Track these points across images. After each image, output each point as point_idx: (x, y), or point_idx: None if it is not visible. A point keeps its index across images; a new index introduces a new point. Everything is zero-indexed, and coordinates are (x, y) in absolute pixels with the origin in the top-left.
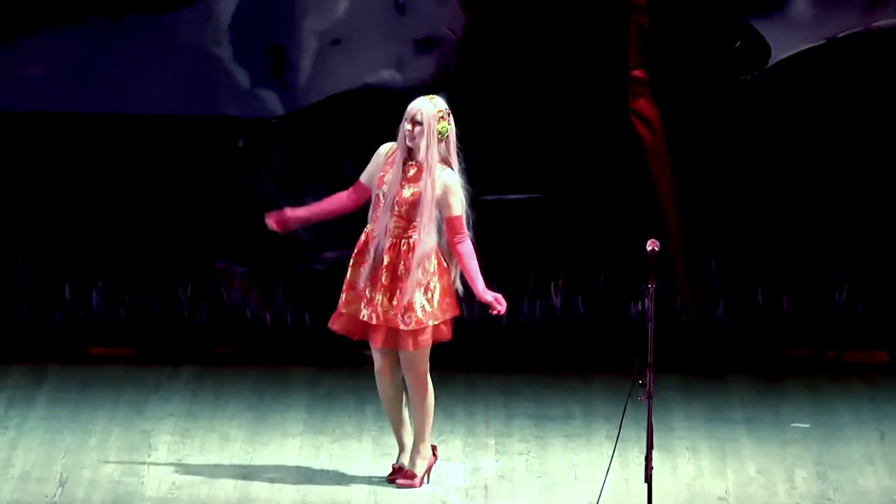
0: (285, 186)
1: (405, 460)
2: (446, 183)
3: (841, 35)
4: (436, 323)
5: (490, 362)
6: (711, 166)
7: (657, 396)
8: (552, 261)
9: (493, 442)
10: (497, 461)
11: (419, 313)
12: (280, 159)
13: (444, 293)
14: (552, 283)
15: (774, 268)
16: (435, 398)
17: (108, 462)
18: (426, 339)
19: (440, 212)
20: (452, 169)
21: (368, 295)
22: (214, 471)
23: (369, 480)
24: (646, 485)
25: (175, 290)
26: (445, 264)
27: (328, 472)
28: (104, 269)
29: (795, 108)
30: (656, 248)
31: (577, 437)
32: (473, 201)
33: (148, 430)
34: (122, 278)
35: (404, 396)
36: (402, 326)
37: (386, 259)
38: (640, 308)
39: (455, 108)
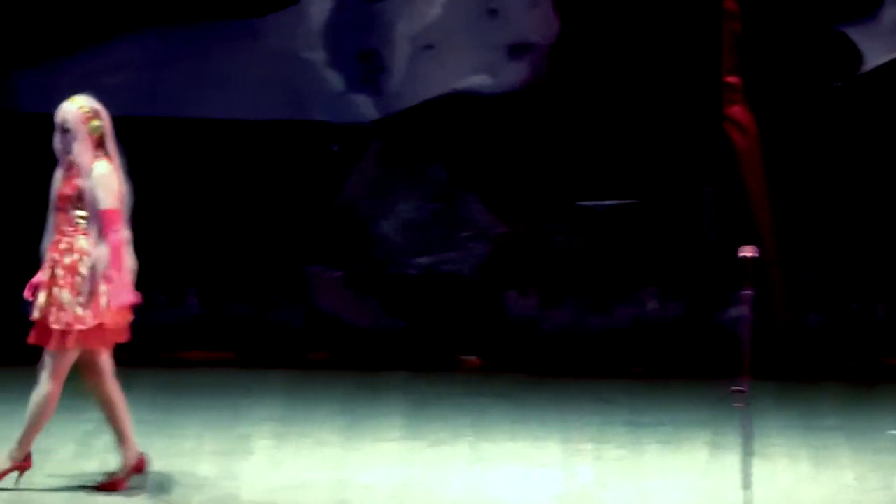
0: (378, 191)
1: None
2: (97, 175)
3: None
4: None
5: (584, 368)
6: (805, 172)
7: (753, 403)
8: (645, 267)
9: (589, 448)
10: (593, 467)
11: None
12: (373, 164)
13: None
14: (645, 289)
15: (868, 275)
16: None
17: (203, 465)
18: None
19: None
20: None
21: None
22: (310, 475)
23: (465, 486)
24: (744, 492)
25: (269, 295)
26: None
27: (423, 477)
28: (199, 274)
29: (889, 114)
30: (752, 255)
31: (672, 444)
32: (568, 207)
33: (244, 433)
34: (217, 283)
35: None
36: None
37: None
38: (734, 315)
39: (547, 114)
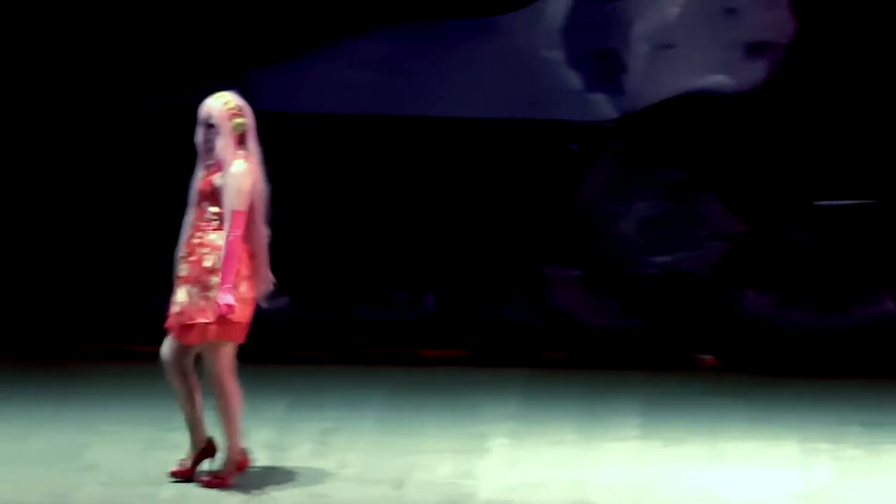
0: (616, 191)
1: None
2: (232, 173)
3: None
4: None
5: (820, 368)
6: None
7: None
8: (883, 266)
9: (825, 447)
10: (830, 467)
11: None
12: (612, 163)
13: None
14: (884, 289)
15: None
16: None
17: (442, 463)
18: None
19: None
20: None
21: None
22: (547, 474)
23: (702, 485)
24: None
25: (506, 294)
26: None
27: (660, 476)
28: (437, 273)
29: None
30: None
31: None
32: (806, 206)
33: (481, 432)
34: (455, 282)
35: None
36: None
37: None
38: None
39: (785, 114)
